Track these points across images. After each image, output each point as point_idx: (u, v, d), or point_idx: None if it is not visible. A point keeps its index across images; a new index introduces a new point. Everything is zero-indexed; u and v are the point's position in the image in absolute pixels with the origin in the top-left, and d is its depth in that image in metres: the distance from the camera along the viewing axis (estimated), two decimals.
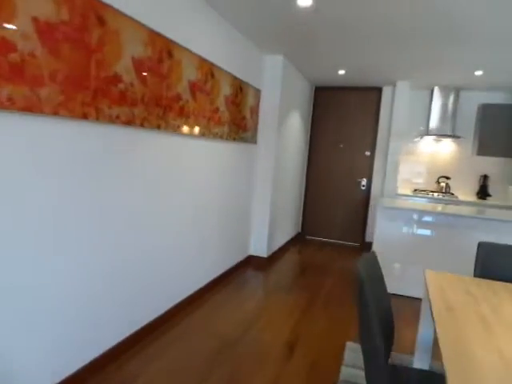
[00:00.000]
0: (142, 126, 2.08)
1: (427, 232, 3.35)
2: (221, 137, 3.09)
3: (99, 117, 1.77)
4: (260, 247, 4.11)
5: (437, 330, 1.18)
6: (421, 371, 1.44)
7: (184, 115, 2.50)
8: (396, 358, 2.31)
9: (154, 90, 2.15)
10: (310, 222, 5.58)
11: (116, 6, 1.79)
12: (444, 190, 4.75)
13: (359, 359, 2.29)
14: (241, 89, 3.38)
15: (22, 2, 1.36)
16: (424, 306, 1.74)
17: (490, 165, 4.74)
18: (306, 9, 2.55)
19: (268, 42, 3.43)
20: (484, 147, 4.57)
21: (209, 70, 2.76)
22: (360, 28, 2.86)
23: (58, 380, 1.76)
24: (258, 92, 3.80)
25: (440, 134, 4.71)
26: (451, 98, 4.66)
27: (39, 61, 1.46)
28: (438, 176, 4.90)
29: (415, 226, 3.38)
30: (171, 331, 2.51)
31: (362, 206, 5.29)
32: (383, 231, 3.47)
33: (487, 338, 1.18)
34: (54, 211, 1.62)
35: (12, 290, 1.48)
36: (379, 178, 5.13)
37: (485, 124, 4.56)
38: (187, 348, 2.32)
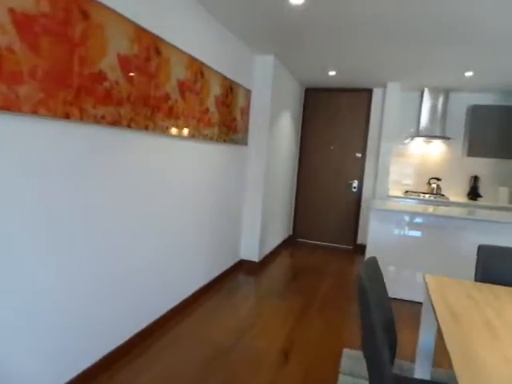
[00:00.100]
0: (128, 126, 1.99)
1: (421, 234, 3.31)
2: (211, 138, 3.00)
3: (83, 117, 1.67)
4: (251, 251, 4.03)
5: (445, 339, 1.12)
6: (423, 381, 1.38)
7: (173, 116, 2.41)
8: (395, 364, 2.25)
9: (141, 89, 2.06)
10: (301, 224, 5.52)
11: None
12: (435, 192, 4.75)
13: (357, 367, 2.23)
14: (231, 89, 3.30)
15: None
16: (425, 312, 1.68)
17: (481, 166, 4.75)
18: (297, 7, 2.49)
19: (259, 41, 3.36)
20: (474, 148, 4.58)
21: (198, 69, 2.68)
22: (351, 28, 2.82)
23: None
24: (248, 92, 3.73)
25: (430, 136, 4.71)
26: (441, 100, 4.66)
27: (17, 56, 1.36)
28: (429, 177, 4.90)
29: (409, 228, 3.34)
30: (163, 339, 2.41)
31: (353, 207, 5.25)
32: (377, 234, 3.42)
33: (495, 345, 1.13)
34: (32, 214, 1.51)
35: None
36: (370, 180, 5.11)
37: (475, 125, 4.56)
38: (179, 356, 2.23)
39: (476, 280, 1.74)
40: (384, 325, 1.17)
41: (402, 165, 5.07)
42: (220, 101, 3.10)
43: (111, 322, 2.06)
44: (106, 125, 1.82)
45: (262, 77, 3.83)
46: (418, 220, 3.32)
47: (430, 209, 3.55)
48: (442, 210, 3.43)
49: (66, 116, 1.59)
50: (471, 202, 4.51)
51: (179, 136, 2.53)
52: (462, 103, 4.73)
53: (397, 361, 2.28)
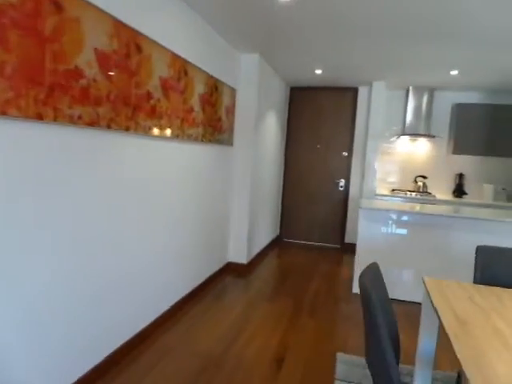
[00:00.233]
0: (108, 127, 1.86)
1: (409, 232, 3.28)
2: (196, 139, 2.89)
3: (57, 117, 1.54)
4: (239, 253, 3.93)
5: (455, 349, 1.05)
6: None
7: (156, 116, 2.29)
8: None
9: (121, 88, 1.93)
10: (288, 224, 5.45)
11: None
12: (421, 190, 4.75)
13: (352, 372, 2.16)
14: (216, 88, 3.19)
15: None
16: (424, 316, 1.62)
17: (466, 163, 4.78)
18: (286, 3, 2.40)
19: (243, 38, 3.26)
20: (459, 146, 4.59)
21: (182, 66, 2.56)
22: (336, 26, 2.75)
23: None
24: (233, 91, 3.63)
25: (415, 134, 4.70)
26: (425, 98, 4.66)
27: None
28: (415, 175, 4.90)
29: (397, 226, 3.31)
30: (149, 351, 2.29)
31: (340, 207, 5.22)
32: (367, 233, 3.37)
33: (506, 352, 1.07)
34: None
35: None
36: (357, 179, 5.08)
37: (459, 123, 4.58)
38: (167, 368, 2.11)
39: (475, 282, 1.69)
40: (389, 333, 1.10)
41: (389, 163, 5.06)
42: (205, 100, 2.99)
43: (93, 337, 1.93)
44: (83, 126, 1.69)
45: (248, 75, 3.74)
46: (407, 218, 3.28)
47: (417, 207, 3.53)
48: (432, 209, 3.41)
49: (39, 117, 1.46)
50: (457, 199, 4.52)
51: (162, 136, 2.41)
52: (446, 101, 4.75)
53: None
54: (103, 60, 1.78)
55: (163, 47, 2.31)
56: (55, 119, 1.53)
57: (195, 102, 2.82)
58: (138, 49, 2.06)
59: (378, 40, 3.04)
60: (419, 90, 4.66)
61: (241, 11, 2.62)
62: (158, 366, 2.13)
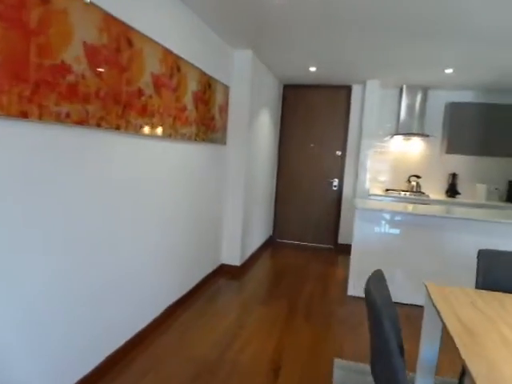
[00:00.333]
0: (98, 126, 1.77)
1: (408, 233, 3.25)
2: (189, 138, 2.81)
3: (43, 115, 1.45)
4: (233, 255, 3.86)
5: (466, 361, 1.00)
6: None
7: (147, 114, 2.21)
8: None
9: (111, 84, 1.85)
10: (281, 224, 5.40)
11: None
12: (415, 189, 4.73)
13: (349, 378, 2.11)
14: (209, 85, 3.11)
15: None
16: (426, 322, 1.57)
17: (459, 163, 4.77)
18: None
19: (236, 34, 3.18)
20: (452, 145, 4.58)
21: (174, 63, 2.48)
22: (330, 24, 2.69)
23: None
24: (226, 89, 3.55)
25: (409, 133, 4.68)
26: (419, 97, 4.64)
27: None
28: (409, 175, 4.88)
29: (392, 226, 3.27)
30: (142, 357, 2.21)
31: (334, 206, 5.18)
32: (362, 234, 3.33)
33: None
34: None
35: None
36: (351, 179, 5.04)
37: (453, 122, 4.57)
38: (160, 376, 2.04)
39: (477, 287, 1.65)
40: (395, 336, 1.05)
41: (382, 162, 5.03)
42: (198, 97, 2.91)
43: (82, 343, 1.84)
44: (71, 124, 1.60)
45: (241, 72, 3.66)
46: (405, 219, 3.25)
47: (415, 207, 3.50)
48: (428, 209, 3.38)
49: (24, 115, 1.37)
50: (450, 199, 4.51)
51: (155, 135, 2.33)
52: (440, 100, 4.73)
53: None
54: (92, 54, 1.69)
55: (155, 42, 2.22)
56: (40, 117, 1.44)
57: (188, 99, 2.74)
58: (129, 43, 1.97)
59: (372, 37, 2.99)
60: (413, 89, 4.63)
61: (234, 6, 2.54)
62: (150, 373, 2.06)
